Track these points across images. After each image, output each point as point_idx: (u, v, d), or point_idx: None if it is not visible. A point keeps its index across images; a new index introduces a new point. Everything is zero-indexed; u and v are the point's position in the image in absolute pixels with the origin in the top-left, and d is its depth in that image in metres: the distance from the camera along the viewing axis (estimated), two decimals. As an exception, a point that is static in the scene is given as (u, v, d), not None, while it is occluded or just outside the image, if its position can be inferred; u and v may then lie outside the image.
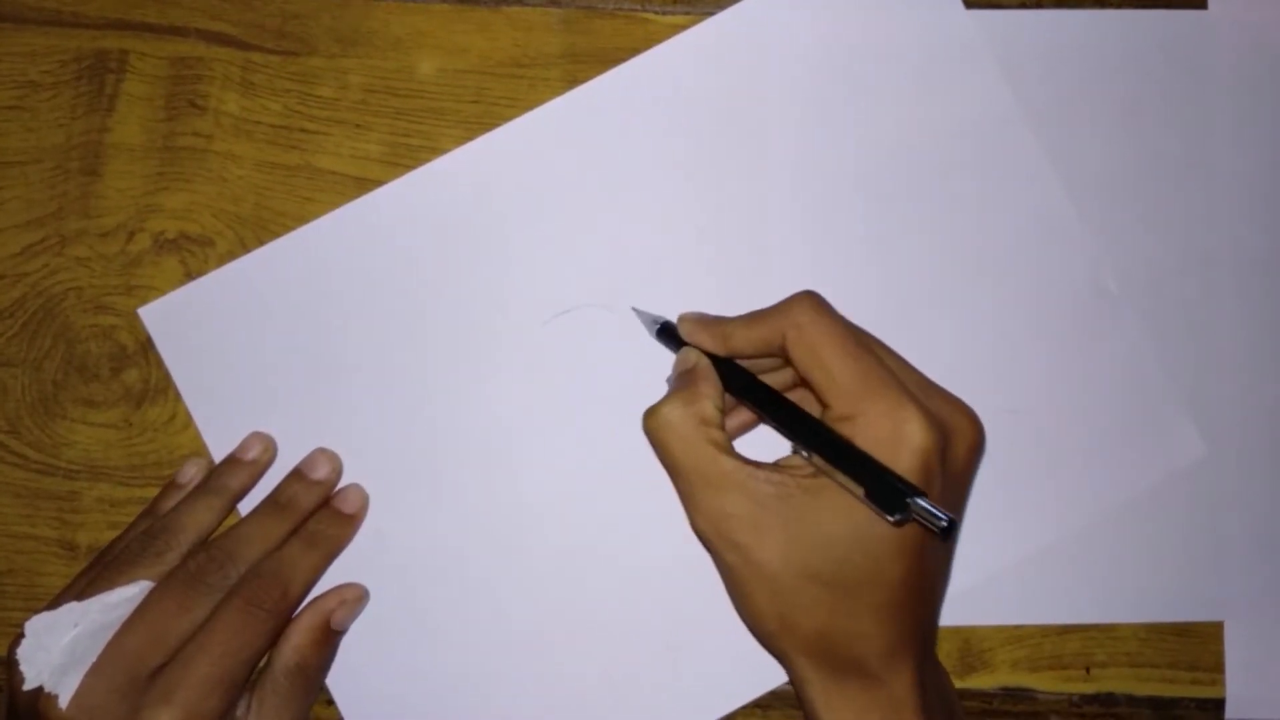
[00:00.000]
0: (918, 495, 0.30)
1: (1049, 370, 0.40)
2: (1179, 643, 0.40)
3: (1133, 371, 0.41)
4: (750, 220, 0.41)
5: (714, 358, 0.36)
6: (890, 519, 0.31)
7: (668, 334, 0.38)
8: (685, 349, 0.37)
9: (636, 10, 0.42)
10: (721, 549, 0.34)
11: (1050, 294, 0.41)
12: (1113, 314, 0.41)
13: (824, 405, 0.33)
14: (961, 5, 0.41)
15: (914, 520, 0.30)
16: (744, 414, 0.38)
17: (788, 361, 0.34)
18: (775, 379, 0.36)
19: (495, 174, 0.41)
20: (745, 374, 0.36)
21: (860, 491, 0.31)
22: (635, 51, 0.41)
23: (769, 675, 0.39)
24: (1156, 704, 0.40)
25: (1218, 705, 0.40)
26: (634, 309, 0.40)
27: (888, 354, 0.35)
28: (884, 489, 0.31)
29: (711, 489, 0.33)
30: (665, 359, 0.40)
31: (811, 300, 0.34)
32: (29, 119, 0.41)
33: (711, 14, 0.41)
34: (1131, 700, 0.40)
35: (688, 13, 0.42)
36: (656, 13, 0.42)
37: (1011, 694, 0.40)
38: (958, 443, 0.33)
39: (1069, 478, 0.40)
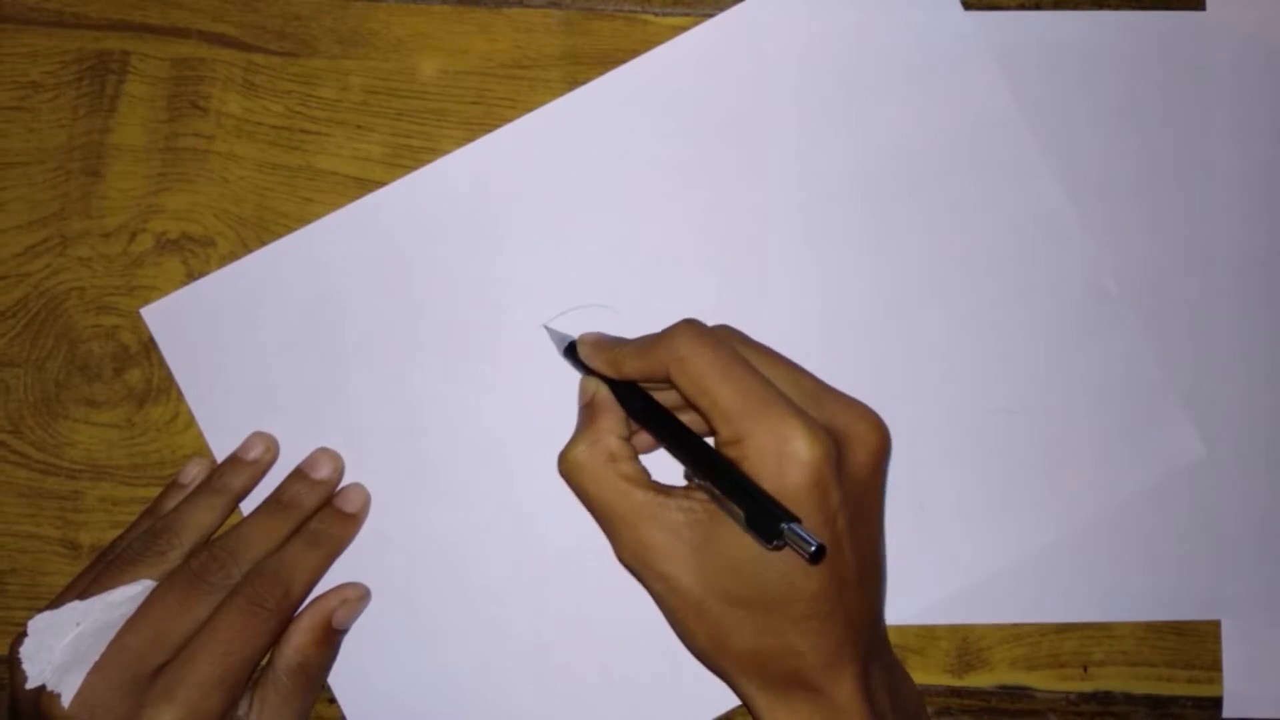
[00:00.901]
0: (791, 520, 0.30)
1: (1047, 370, 0.40)
2: (1176, 641, 0.40)
3: (1131, 371, 0.41)
4: (750, 221, 0.41)
5: (620, 385, 0.36)
6: (768, 546, 0.31)
7: (573, 354, 0.38)
8: (584, 379, 0.38)
9: (637, 12, 0.42)
10: (646, 579, 0.34)
11: (1049, 294, 0.41)
12: (1111, 314, 0.41)
13: (714, 431, 0.33)
14: (960, 6, 0.42)
15: (787, 543, 0.30)
16: (644, 438, 0.38)
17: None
18: (671, 397, 0.36)
19: (496, 175, 0.41)
20: (643, 397, 0.36)
21: (741, 518, 0.31)
22: (635, 53, 0.41)
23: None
24: (1154, 702, 0.40)
25: (1215, 704, 0.40)
26: (545, 327, 0.40)
27: (777, 367, 0.35)
28: (761, 515, 0.31)
29: (628, 524, 0.34)
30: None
31: (691, 330, 0.34)
32: (31, 120, 0.42)
33: (711, 15, 0.42)
34: (1129, 699, 0.40)
35: (687, 14, 0.42)
36: (656, 14, 0.42)
37: (1009, 692, 0.40)
38: (856, 449, 0.33)
39: (1067, 477, 0.40)
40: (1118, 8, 0.42)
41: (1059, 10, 0.42)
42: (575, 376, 0.40)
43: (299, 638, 0.37)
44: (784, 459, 0.31)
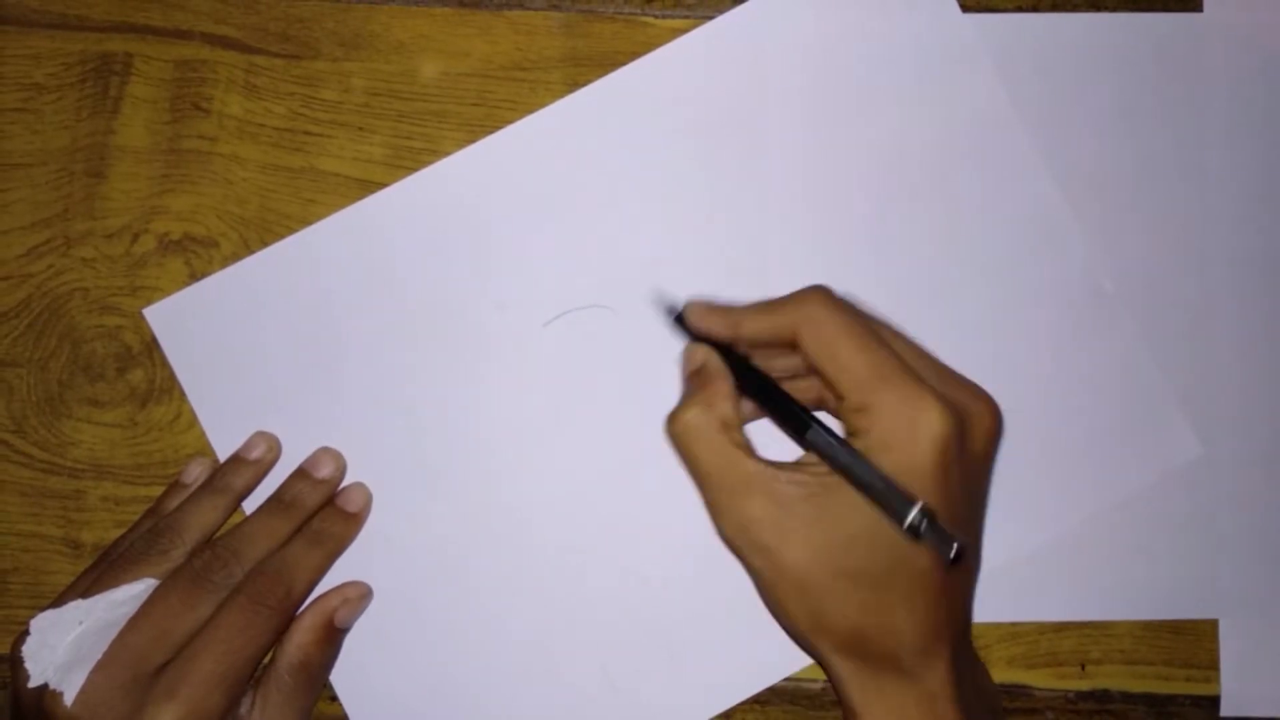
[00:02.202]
0: (912, 503, 0.30)
1: (1045, 370, 0.41)
2: (1174, 640, 0.41)
3: (1128, 371, 0.41)
4: (750, 222, 0.41)
5: (723, 354, 0.36)
6: (901, 532, 0.31)
7: (681, 322, 0.37)
8: (690, 346, 0.36)
9: (637, 14, 0.42)
10: (748, 553, 0.34)
11: (1046, 294, 0.41)
12: (1108, 314, 0.41)
13: (838, 397, 0.33)
14: (958, 8, 0.42)
15: (921, 540, 0.30)
16: (750, 405, 0.37)
17: (797, 353, 0.34)
18: (783, 364, 0.36)
19: (497, 176, 0.41)
20: (757, 373, 0.35)
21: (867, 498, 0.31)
22: (635, 55, 0.42)
23: (767, 671, 0.40)
24: (1152, 701, 0.40)
25: (1213, 702, 0.40)
26: (655, 291, 0.39)
27: (903, 343, 0.35)
28: (891, 510, 0.31)
29: (736, 494, 0.33)
30: (665, 359, 0.40)
31: (824, 295, 0.34)
32: (34, 121, 0.42)
33: (711, 18, 0.42)
34: (1127, 697, 0.40)
35: (687, 16, 0.42)
36: (656, 16, 0.42)
37: (1008, 691, 0.40)
38: (975, 429, 0.33)
39: (1065, 477, 0.40)
40: (1114, 10, 0.42)
41: (1056, 12, 0.42)
42: (576, 376, 0.41)
43: (301, 636, 0.37)
44: (916, 430, 0.31)
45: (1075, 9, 0.42)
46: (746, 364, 0.35)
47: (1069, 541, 0.40)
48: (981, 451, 0.34)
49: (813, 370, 0.34)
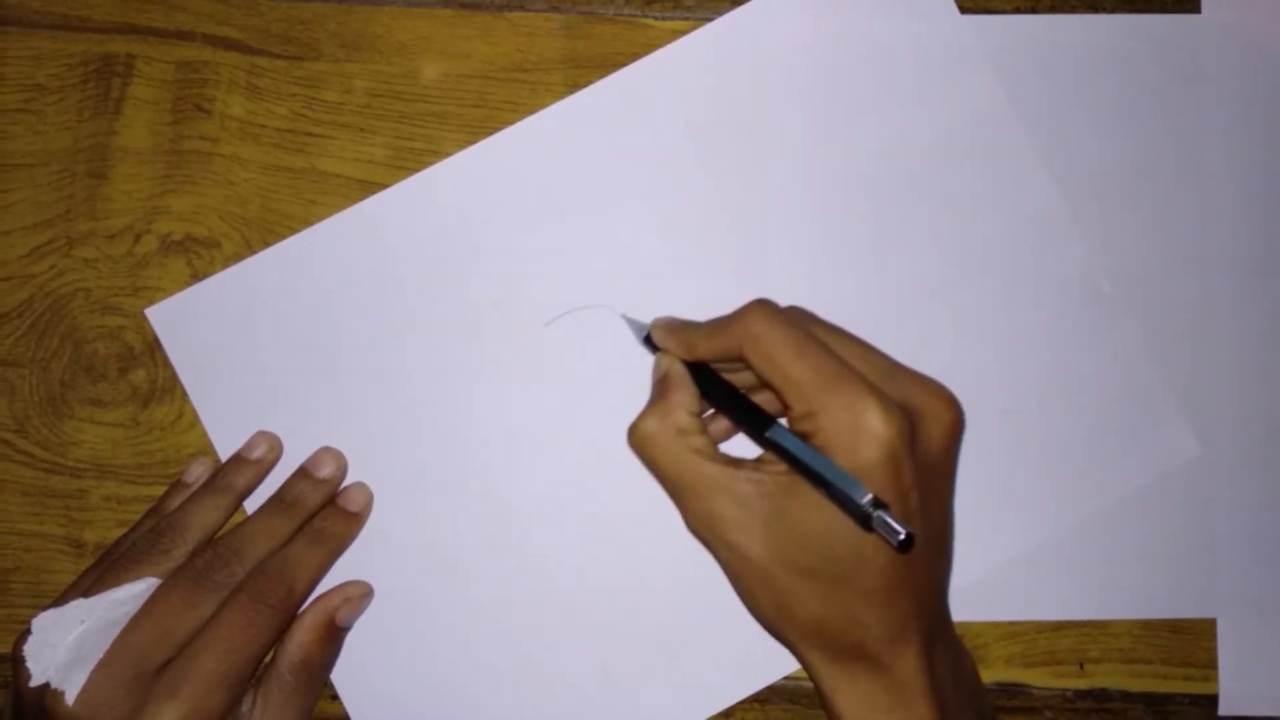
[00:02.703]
0: (866, 497, 0.31)
1: (1043, 370, 0.41)
2: (1172, 639, 0.41)
3: (1126, 371, 0.41)
4: (750, 223, 0.41)
5: (690, 363, 0.37)
6: (858, 524, 0.31)
7: (650, 340, 0.39)
8: (659, 355, 0.38)
9: (637, 16, 0.42)
10: (715, 548, 0.35)
11: (1044, 294, 0.41)
12: (1107, 314, 0.41)
13: (786, 407, 0.34)
14: (956, 10, 0.42)
15: (874, 530, 0.31)
16: (724, 420, 0.38)
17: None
18: (743, 377, 0.37)
19: (497, 177, 0.41)
20: (716, 379, 0.36)
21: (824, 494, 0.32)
22: (636, 56, 0.42)
23: (766, 670, 0.40)
24: (1150, 700, 0.40)
25: (1211, 701, 0.40)
26: (624, 316, 0.40)
27: (850, 345, 0.35)
28: (840, 496, 0.31)
29: (697, 494, 0.34)
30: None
31: (762, 309, 0.35)
32: (36, 122, 0.42)
33: (711, 19, 0.42)
34: (1125, 696, 0.41)
35: (687, 18, 0.42)
36: (657, 18, 0.42)
37: (1006, 689, 0.41)
38: (930, 425, 0.34)
39: (1063, 476, 0.40)
40: (1113, 11, 0.42)
41: (1054, 14, 0.42)
42: (576, 376, 0.41)
43: (302, 635, 0.37)
44: (858, 434, 0.32)
45: (1073, 10, 0.42)
46: (709, 371, 0.37)
47: (1067, 541, 0.40)
48: (939, 447, 0.34)
49: (764, 384, 0.35)
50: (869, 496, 0.31)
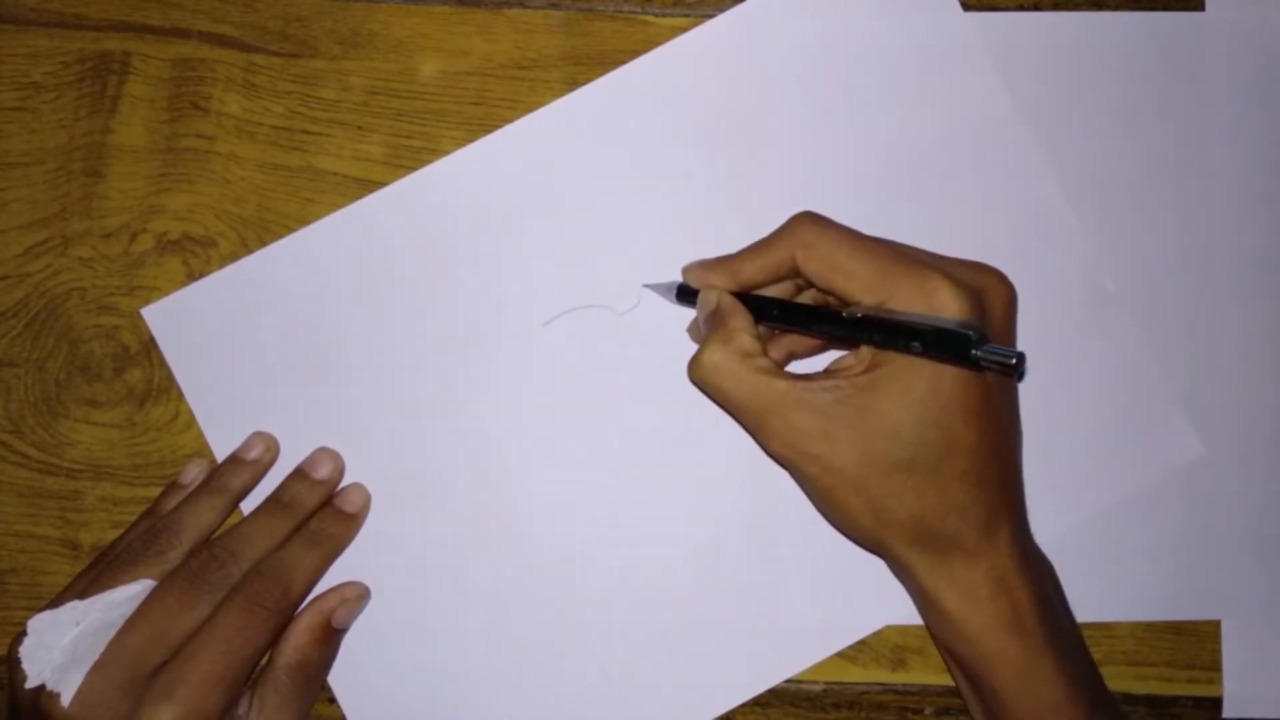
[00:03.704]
0: (981, 340, 0.31)
1: (1046, 370, 0.41)
2: (1176, 641, 0.40)
3: (1130, 371, 0.41)
4: (750, 221, 0.41)
5: (734, 294, 0.37)
6: (968, 366, 0.31)
7: (687, 294, 0.38)
8: (703, 292, 0.37)
9: (637, 13, 0.42)
10: (800, 464, 0.34)
11: (1048, 294, 0.41)
12: (1110, 314, 0.41)
13: (853, 305, 0.34)
14: (959, 7, 0.42)
15: (983, 367, 0.31)
16: (778, 351, 0.38)
17: (799, 281, 0.35)
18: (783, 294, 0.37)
19: (496, 175, 0.41)
20: (770, 300, 0.36)
21: (920, 349, 0.31)
22: (636, 54, 0.42)
23: (768, 672, 0.40)
24: (1154, 702, 0.40)
25: (1215, 704, 0.40)
26: (646, 285, 0.40)
27: (896, 243, 0.35)
28: (947, 342, 0.31)
29: (775, 414, 0.34)
30: (666, 356, 0.40)
31: (810, 217, 0.35)
32: (32, 120, 0.42)
33: (711, 16, 0.42)
34: (1129, 699, 0.40)
35: (688, 15, 0.42)
36: (657, 15, 0.42)
37: (1010, 692, 0.40)
38: (992, 300, 0.34)
39: (1066, 477, 0.40)
40: (1116, 9, 0.42)
41: (1058, 11, 0.42)
42: (576, 376, 0.41)
43: (298, 637, 0.37)
44: (934, 312, 0.32)
45: (1077, 8, 0.42)
46: (757, 297, 0.36)
47: (1071, 542, 0.40)
48: (1001, 320, 0.35)
49: (821, 292, 0.35)
50: (977, 330, 0.31)
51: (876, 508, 0.34)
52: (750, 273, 0.36)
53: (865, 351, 0.34)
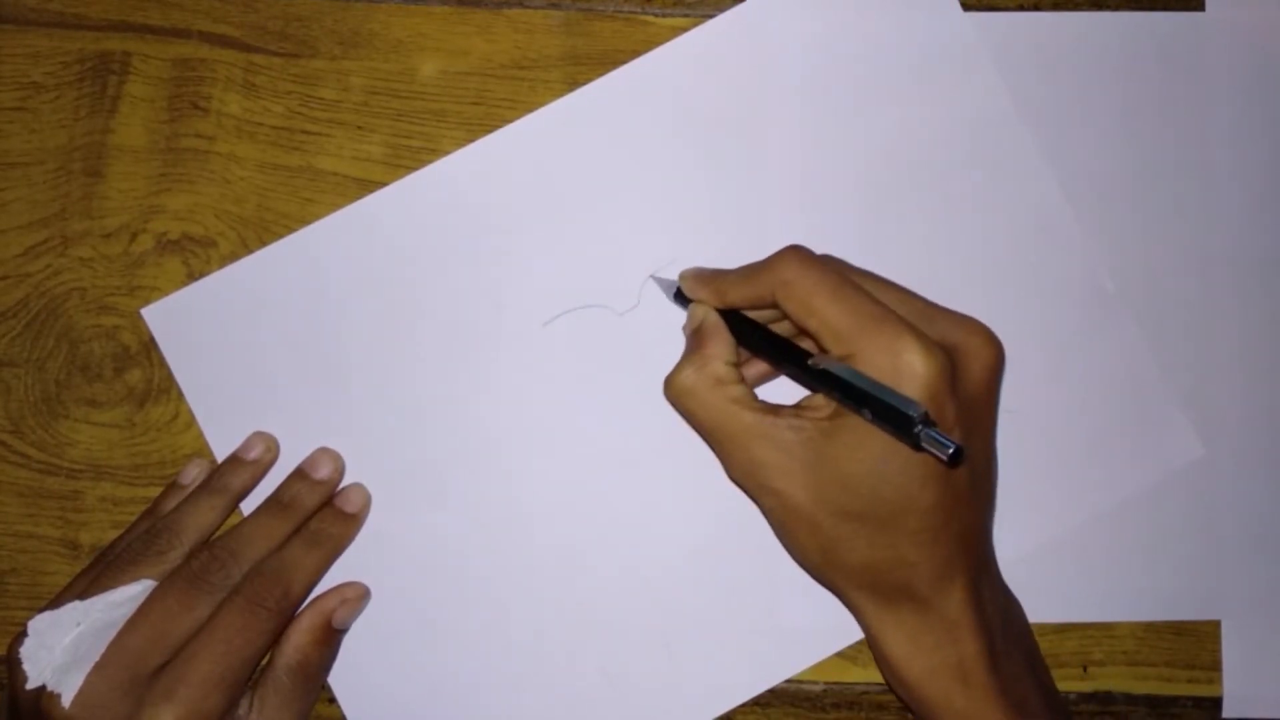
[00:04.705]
0: (928, 424, 0.30)
1: (1046, 370, 0.41)
2: (1176, 641, 0.40)
3: (1130, 371, 0.41)
4: (750, 221, 0.41)
5: (724, 311, 0.37)
6: (908, 444, 0.31)
7: (683, 297, 0.39)
8: (692, 305, 0.37)
9: (637, 13, 0.42)
10: (758, 495, 0.35)
11: (1047, 294, 0.41)
12: (1110, 314, 0.41)
13: (822, 352, 0.34)
14: (959, 7, 0.42)
15: (922, 448, 0.30)
16: (758, 366, 0.38)
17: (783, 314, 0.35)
18: (782, 327, 0.37)
19: (496, 175, 0.41)
20: (751, 324, 0.36)
21: (869, 416, 0.31)
22: (636, 54, 0.42)
23: (768, 672, 0.40)
24: (1153, 702, 0.40)
25: (1215, 704, 0.40)
26: (653, 277, 0.40)
27: (885, 288, 0.35)
28: (892, 416, 0.31)
29: (737, 443, 0.34)
30: (666, 356, 0.40)
31: (796, 254, 0.34)
32: (32, 120, 0.42)
33: (711, 16, 0.42)
34: (1129, 699, 0.40)
35: (688, 15, 0.42)
36: (657, 15, 0.42)
37: (1010, 692, 0.40)
38: (970, 364, 0.34)
39: (1066, 477, 0.40)
40: (1117, 9, 0.42)
41: (1058, 11, 0.42)
42: (575, 376, 0.41)
43: (299, 637, 0.37)
44: (899, 374, 0.32)
45: (1077, 8, 0.42)
46: (743, 317, 0.36)
47: (1071, 542, 0.40)
48: (981, 385, 0.34)
49: (800, 330, 0.35)
50: (921, 411, 0.30)
51: (826, 549, 0.34)
52: (735, 297, 0.36)
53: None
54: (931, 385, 0.32)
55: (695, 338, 0.36)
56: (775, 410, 0.34)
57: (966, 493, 0.33)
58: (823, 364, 0.33)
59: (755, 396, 0.35)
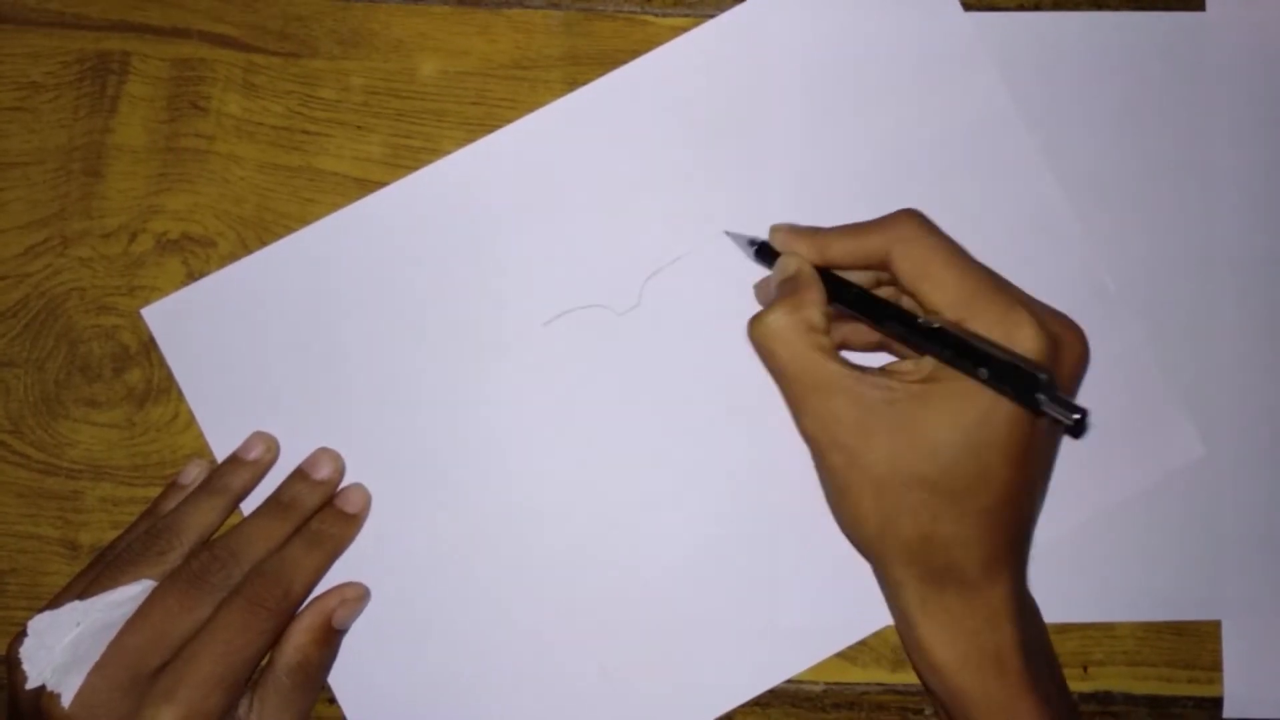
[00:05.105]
0: (1051, 385, 0.30)
1: (1047, 370, 0.41)
2: (1177, 642, 0.40)
3: (1131, 371, 0.41)
4: (750, 221, 0.41)
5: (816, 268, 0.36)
6: (1024, 406, 0.31)
7: (766, 254, 0.38)
8: (784, 256, 0.37)
9: (637, 12, 0.42)
10: (827, 450, 0.34)
11: (1048, 294, 0.40)
12: (1111, 314, 0.41)
13: (930, 315, 0.34)
14: (960, 7, 0.42)
15: (1044, 411, 0.30)
16: (841, 334, 0.38)
17: (882, 275, 0.35)
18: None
19: (496, 175, 0.41)
20: (845, 283, 0.35)
21: (985, 375, 0.31)
22: (636, 53, 0.42)
23: (768, 672, 0.40)
24: (1154, 703, 0.40)
25: (1215, 704, 0.40)
26: (727, 232, 0.40)
27: (994, 272, 0.35)
28: (1017, 377, 0.30)
29: (819, 393, 0.34)
30: (666, 356, 0.40)
31: (916, 217, 0.35)
32: (31, 120, 0.42)
33: (712, 16, 0.42)
34: (1129, 699, 0.40)
35: (688, 15, 0.42)
36: (657, 15, 0.42)
37: (1010, 693, 0.40)
38: (1066, 353, 0.34)
39: (1067, 477, 0.40)
40: (1117, 8, 0.42)
41: (1058, 11, 0.42)
42: (576, 376, 0.41)
43: (299, 637, 0.37)
44: (1011, 345, 0.32)
45: (1077, 7, 0.42)
46: (836, 276, 0.36)
47: (1071, 542, 0.40)
48: (1070, 375, 0.34)
49: (905, 291, 0.34)
50: (1048, 374, 0.30)
51: (888, 516, 0.33)
52: (838, 252, 0.35)
53: (927, 362, 0.33)
54: (1040, 359, 0.32)
55: (789, 284, 0.35)
56: (862, 368, 0.34)
57: (1038, 478, 0.34)
58: (939, 322, 0.33)
59: (841, 355, 0.35)
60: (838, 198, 0.41)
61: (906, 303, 0.36)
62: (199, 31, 0.42)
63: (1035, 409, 0.30)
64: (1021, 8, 0.42)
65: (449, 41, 0.42)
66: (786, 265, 0.36)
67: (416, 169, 0.41)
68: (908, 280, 0.34)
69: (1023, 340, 0.32)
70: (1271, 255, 0.41)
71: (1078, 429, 0.30)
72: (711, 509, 0.40)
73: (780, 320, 0.34)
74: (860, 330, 0.38)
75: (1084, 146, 0.41)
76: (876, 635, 0.40)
